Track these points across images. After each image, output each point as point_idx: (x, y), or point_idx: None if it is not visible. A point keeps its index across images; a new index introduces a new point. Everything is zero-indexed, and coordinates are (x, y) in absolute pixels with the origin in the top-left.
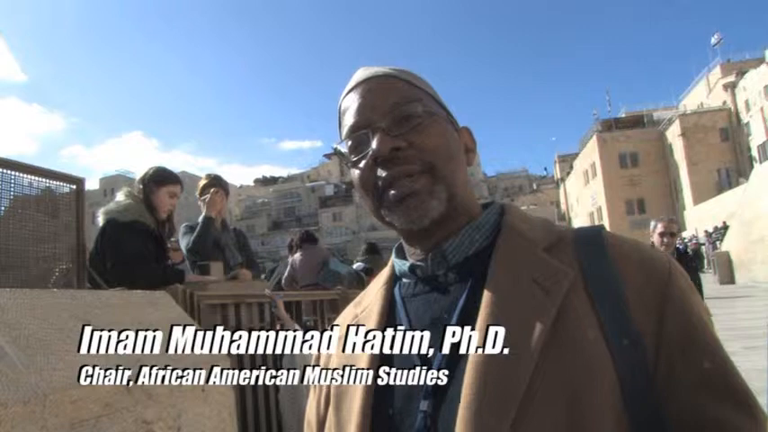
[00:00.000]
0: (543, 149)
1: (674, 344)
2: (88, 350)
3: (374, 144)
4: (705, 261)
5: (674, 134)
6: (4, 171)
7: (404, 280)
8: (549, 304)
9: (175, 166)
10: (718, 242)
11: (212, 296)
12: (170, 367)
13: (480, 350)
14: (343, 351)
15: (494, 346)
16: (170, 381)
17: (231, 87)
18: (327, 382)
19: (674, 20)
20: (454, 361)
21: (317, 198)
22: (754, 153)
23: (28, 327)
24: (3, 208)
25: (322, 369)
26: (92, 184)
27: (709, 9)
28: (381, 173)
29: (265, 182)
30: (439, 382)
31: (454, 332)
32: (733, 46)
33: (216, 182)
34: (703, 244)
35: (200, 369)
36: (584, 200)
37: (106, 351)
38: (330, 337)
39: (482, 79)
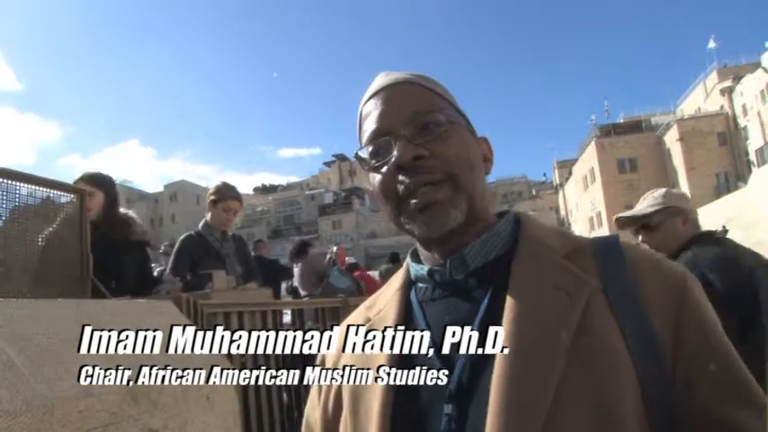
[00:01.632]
0: (542, 155)
1: (692, 350)
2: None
3: (396, 151)
4: None
5: (672, 139)
6: (6, 181)
7: (420, 285)
8: (572, 309)
9: (173, 175)
10: None
11: (216, 304)
12: (175, 372)
13: (506, 354)
14: (356, 352)
15: (520, 351)
16: (175, 391)
17: (228, 94)
18: (338, 382)
19: (671, 25)
20: (478, 364)
21: (317, 206)
22: (752, 157)
23: (35, 337)
24: (2, 218)
25: (329, 369)
26: None
27: (705, 14)
28: (403, 180)
29: (264, 190)
30: (462, 386)
31: (476, 335)
32: (730, 51)
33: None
34: None
35: (204, 373)
36: (584, 205)
37: (111, 356)
38: (334, 337)
39: (479, 85)
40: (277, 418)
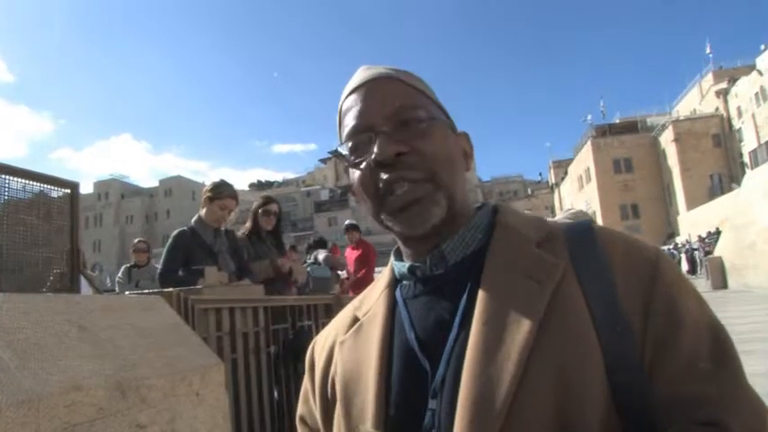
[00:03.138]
0: (538, 155)
1: (660, 328)
2: (76, 344)
3: (376, 148)
4: (698, 266)
5: (667, 140)
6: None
7: (404, 282)
8: (541, 295)
9: (167, 170)
10: (710, 247)
11: (206, 300)
12: (164, 367)
13: (475, 346)
14: (346, 352)
15: (487, 342)
16: (165, 386)
17: (221, 89)
18: (330, 381)
19: (668, 27)
20: (460, 358)
21: (313, 202)
22: (746, 159)
23: (22, 331)
24: None
25: (321, 367)
26: (82, 188)
27: (701, 16)
28: (383, 177)
29: (260, 186)
30: (445, 381)
31: (458, 331)
32: (725, 53)
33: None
34: (696, 249)
35: (193, 369)
36: (579, 205)
37: (100, 350)
38: (324, 337)
39: (475, 84)
40: (267, 414)
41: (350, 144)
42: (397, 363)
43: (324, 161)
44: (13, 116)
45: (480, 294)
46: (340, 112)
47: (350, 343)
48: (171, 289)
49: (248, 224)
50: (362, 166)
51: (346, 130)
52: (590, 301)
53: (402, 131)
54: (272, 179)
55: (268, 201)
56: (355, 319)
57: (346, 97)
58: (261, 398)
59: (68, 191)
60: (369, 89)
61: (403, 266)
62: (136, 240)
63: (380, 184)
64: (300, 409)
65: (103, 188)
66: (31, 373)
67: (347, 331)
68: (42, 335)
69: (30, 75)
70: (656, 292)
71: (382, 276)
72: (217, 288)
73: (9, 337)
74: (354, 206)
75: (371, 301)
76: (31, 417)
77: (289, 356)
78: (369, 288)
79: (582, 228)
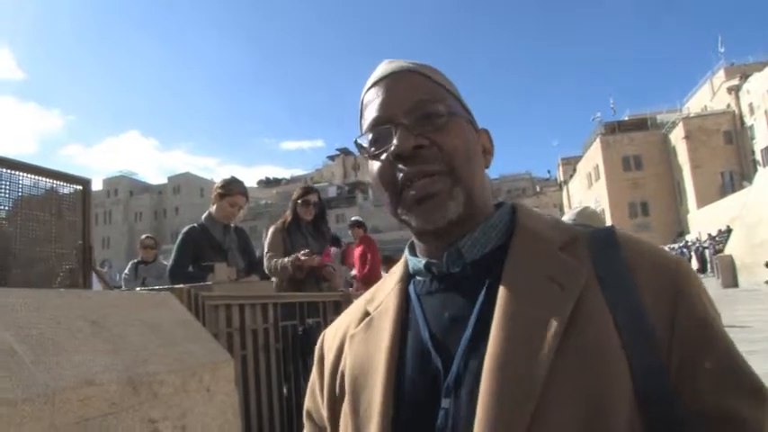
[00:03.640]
0: (546, 152)
1: (687, 341)
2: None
3: (396, 140)
4: (708, 264)
5: (677, 137)
6: (10, 172)
7: (418, 278)
8: (564, 300)
9: (175, 166)
10: (721, 245)
11: (217, 297)
12: (176, 363)
13: (497, 347)
14: (356, 346)
15: (510, 343)
16: (176, 382)
17: (230, 86)
18: (339, 376)
19: (679, 23)
20: (474, 358)
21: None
22: (758, 156)
23: (37, 326)
24: (5, 208)
25: (330, 362)
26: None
27: (713, 12)
28: (402, 169)
29: (268, 183)
30: (459, 381)
31: (473, 330)
32: (737, 49)
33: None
34: (707, 247)
35: (204, 365)
36: (588, 203)
37: (113, 346)
38: (334, 329)
39: (484, 81)
40: (276, 410)
41: (370, 136)
42: (409, 360)
43: (332, 158)
44: (23, 113)
45: (501, 294)
46: (361, 105)
47: (360, 337)
48: (181, 285)
49: (287, 213)
50: (382, 158)
51: (367, 122)
52: (614, 310)
53: (422, 125)
54: (279, 176)
55: (307, 191)
56: (366, 313)
57: (368, 90)
58: (270, 394)
59: (80, 187)
60: (390, 82)
61: (419, 262)
62: (143, 236)
63: (399, 178)
64: (307, 404)
65: (113, 185)
66: (45, 367)
67: (358, 325)
68: (56, 330)
69: (39, 72)
70: (681, 305)
71: (395, 270)
72: (227, 284)
73: (24, 332)
74: (362, 203)
75: (383, 295)
76: (46, 411)
77: (297, 353)
78: (381, 281)
79: (604, 234)
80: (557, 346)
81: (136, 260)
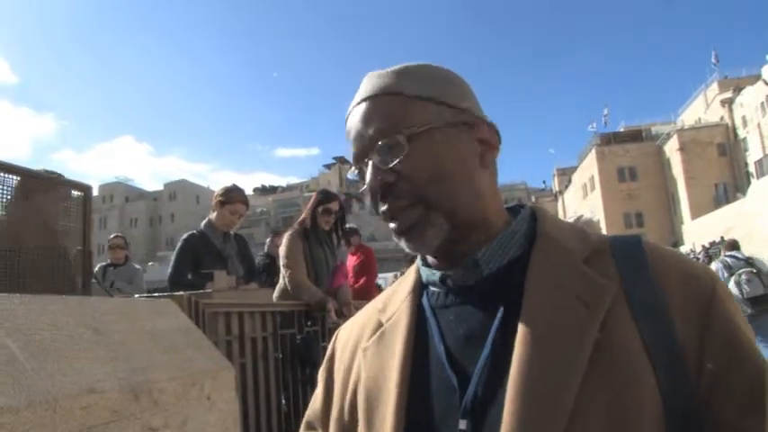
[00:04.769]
0: (542, 163)
1: (717, 363)
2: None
3: (367, 179)
4: None
5: (672, 149)
6: (9, 176)
7: (432, 289)
8: (591, 321)
9: (170, 172)
10: (714, 256)
11: (217, 304)
12: (176, 371)
13: (521, 368)
14: (369, 359)
15: (535, 365)
16: (176, 390)
17: (223, 91)
18: (351, 388)
19: (673, 35)
20: (494, 378)
21: None
22: (752, 169)
23: (38, 332)
24: (4, 213)
25: (340, 372)
26: None
27: (707, 25)
28: (381, 207)
29: (264, 191)
30: (477, 401)
31: (492, 348)
32: (731, 62)
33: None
34: (701, 258)
35: (204, 373)
36: (583, 213)
37: (113, 353)
38: (343, 337)
39: (477, 89)
40: (275, 419)
41: (356, 172)
42: (422, 377)
43: (328, 167)
44: (16, 117)
45: (524, 312)
46: (346, 128)
47: (372, 351)
48: (182, 293)
49: (304, 218)
50: (367, 194)
51: (351, 154)
52: (641, 327)
53: (386, 159)
54: (275, 183)
55: (329, 197)
56: (379, 324)
57: (349, 113)
58: (269, 402)
59: (81, 193)
60: (364, 108)
61: (432, 274)
62: (111, 236)
63: (381, 212)
64: (310, 413)
65: (108, 191)
66: (47, 374)
67: (371, 336)
68: (57, 336)
69: (33, 76)
70: (713, 323)
71: (407, 278)
72: (227, 292)
73: (26, 338)
74: (358, 212)
75: (395, 306)
76: (48, 418)
77: (296, 361)
78: (391, 289)
79: (631, 245)
80: (583, 371)
81: (104, 263)
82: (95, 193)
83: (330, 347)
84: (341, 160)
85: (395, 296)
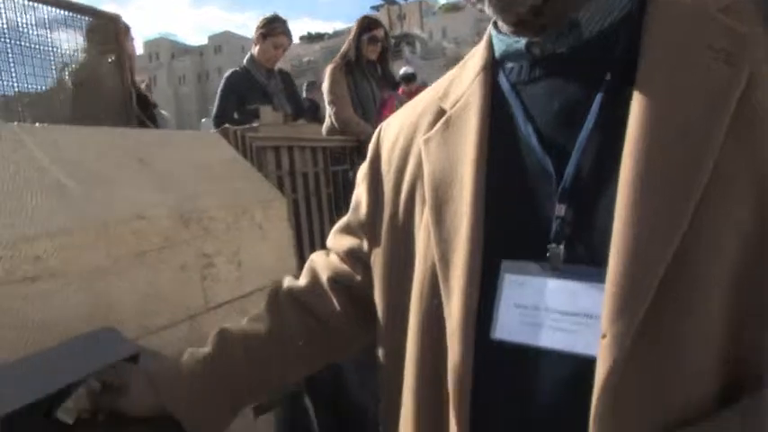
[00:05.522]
0: None
1: None
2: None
3: None
4: None
5: None
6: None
7: (508, 64)
8: (732, 76)
9: (210, 24)
10: None
11: (264, 138)
12: (226, 200)
13: (641, 144)
14: (432, 149)
15: (659, 140)
16: (227, 218)
17: None
18: (408, 185)
19: None
20: (599, 157)
21: None
22: None
23: (84, 162)
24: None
25: (394, 166)
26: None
27: None
28: None
29: (311, 39)
30: (579, 184)
31: (597, 119)
32: None
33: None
34: None
35: (257, 206)
36: None
37: (162, 182)
38: (389, 130)
39: None
40: None
41: None
42: (504, 165)
43: (376, 8)
44: None
45: (642, 71)
46: None
47: (438, 140)
48: (227, 125)
49: (347, 49)
50: None
51: None
52: None
53: None
54: (321, 30)
55: (373, 23)
56: (441, 111)
57: None
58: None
59: (112, 24)
60: None
61: (516, 42)
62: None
63: None
64: (352, 215)
65: (153, 48)
66: (96, 201)
67: (432, 126)
68: (103, 166)
69: None
70: None
71: (473, 57)
72: (274, 126)
73: (71, 168)
74: (409, 57)
75: (461, 89)
76: (101, 241)
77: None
78: (451, 74)
79: None
80: (722, 136)
81: None
82: (141, 50)
83: (372, 148)
84: (390, 1)
85: (458, 80)
